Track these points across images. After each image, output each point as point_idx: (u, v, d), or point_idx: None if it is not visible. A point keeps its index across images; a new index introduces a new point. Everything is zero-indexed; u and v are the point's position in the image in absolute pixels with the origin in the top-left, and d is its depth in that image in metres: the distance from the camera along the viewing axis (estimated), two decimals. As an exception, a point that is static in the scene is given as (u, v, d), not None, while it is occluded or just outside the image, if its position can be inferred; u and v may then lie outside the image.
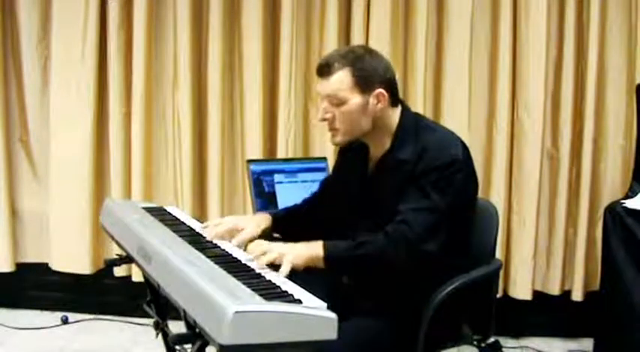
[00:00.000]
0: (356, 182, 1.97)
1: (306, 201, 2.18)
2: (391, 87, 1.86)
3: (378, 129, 1.87)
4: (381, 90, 1.83)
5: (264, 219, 2.03)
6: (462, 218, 1.87)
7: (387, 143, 1.88)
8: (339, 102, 1.82)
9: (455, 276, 1.85)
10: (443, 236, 1.75)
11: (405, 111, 1.90)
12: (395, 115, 1.88)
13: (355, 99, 1.81)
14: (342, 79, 1.81)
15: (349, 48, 1.95)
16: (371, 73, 1.82)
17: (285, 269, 1.65)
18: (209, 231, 1.92)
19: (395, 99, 1.88)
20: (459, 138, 1.86)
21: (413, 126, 1.87)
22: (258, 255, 1.69)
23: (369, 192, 1.91)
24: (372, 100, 1.82)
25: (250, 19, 3.04)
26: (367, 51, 1.90)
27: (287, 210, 2.19)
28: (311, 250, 1.75)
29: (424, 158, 1.78)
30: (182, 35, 3.06)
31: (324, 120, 1.86)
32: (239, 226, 1.94)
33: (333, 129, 1.87)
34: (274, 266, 1.67)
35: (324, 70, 1.83)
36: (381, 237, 1.75)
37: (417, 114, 1.95)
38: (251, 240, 1.90)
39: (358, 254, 1.75)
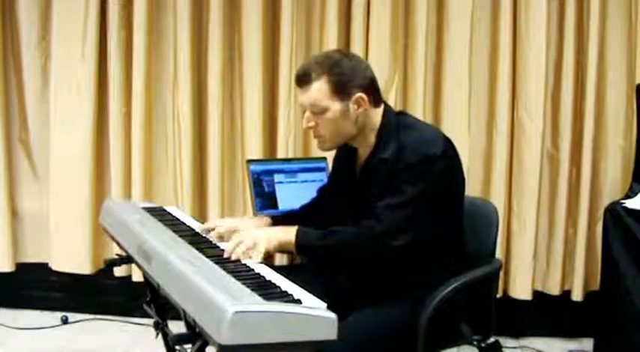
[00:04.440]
0: (346, 183, 1.99)
1: (303, 207, 2.20)
2: (371, 88, 1.87)
3: (363, 130, 1.89)
4: (360, 94, 1.84)
5: (262, 222, 2.06)
6: (449, 214, 1.87)
7: (372, 143, 1.90)
8: (320, 110, 1.84)
9: (454, 276, 1.85)
10: (414, 231, 1.76)
11: (387, 110, 1.91)
12: (378, 115, 1.89)
13: (335, 107, 1.83)
14: (320, 88, 1.82)
15: (325, 54, 1.94)
16: (349, 78, 1.83)
17: (258, 256, 1.70)
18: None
19: (376, 100, 1.89)
20: (440, 135, 1.86)
21: (395, 125, 1.88)
22: (233, 247, 1.72)
23: (357, 193, 1.92)
24: (352, 106, 1.84)
25: (250, 19, 3.04)
26: (344, 55, 1.90)
27: (285, 213, 2.21)
28: (284, 235, 1.79)
29: (401, 156, 1.79)
30: (182, 35, 3.06)
31: (309, 128, 1.89)
32: (238, 228, 1.95)
33: (319, 136, 1.90)
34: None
35: (302, 79, 1.84)
36: (351, 228, 1.79)
37: (400, 113, 1.96)
38: None
39: (326, 243, 1.78)
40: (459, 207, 1.93)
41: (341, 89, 1.82)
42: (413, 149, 1.79)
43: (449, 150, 1.84)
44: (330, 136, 1.88)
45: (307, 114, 1.88)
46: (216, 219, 2.09)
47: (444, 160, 1.80)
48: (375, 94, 1.88)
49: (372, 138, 1.89)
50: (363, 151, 1.93)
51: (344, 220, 1.93)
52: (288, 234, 1.80)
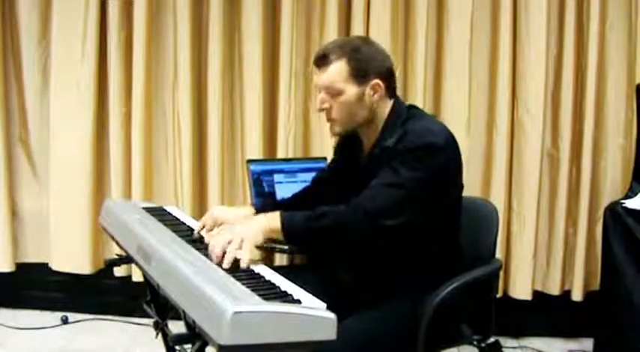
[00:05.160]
0: (350, 175, 1.98)
1: (295, 195, 2.18)
2: (388, 77, 1.87)
3: (373, 119, 1.88)
4: (377, 80, 1.83)
5: (244, 213, 2.03)
6: (446, 209, 1.86)
7: (377, 133, 1.89)
8: (336, 92, 1.83)
9: (454, 276, 1.85)
10: (408, 213, 1.74)
11: (397, 103, 1.90)
12: (388, 107, 1.89)
13: (352, 90, 1.82)
14: (338, 70, 1.82)
15: (347, 38, 1.96)
16: (367, 64, 1.83)
17: (245, 257, 1.64)
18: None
19: (392, 91, 1.89)
20: (445, 128, 1.85)
21: (403, 117, 1.87)
22: (222, 246, 1.65)
23: (360, 183, 1.89)
24: (368, 91, 1.83)
25: (250, 19, 3.04)
26: (364, 41, 1.91)
27: (274, 204, 2.18)
28: (269, 222, 1.74)
29: (403, 141, 1.78)
30: (182, 35, 3.06)
31: (322, 110, 1.87)
32: (218, 221, 1.95)
33: (330, 120, 1.89)
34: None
35: (321, 61, 1.84)
36: (341, 207, 1.75)
37: (410, 106, 1.95)
38: None
39: (317, 225, 1.74)
40: (457, 204, 1.92)
41: (359, 73, 1.82)
42: (416, 135, 1.78)
43: (452, 144, 1.83)
44: (342, 120, 1.86)
45: (322, 95, 1.86)
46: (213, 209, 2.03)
47: (446, 151, 1.79)
48: (391, 85, 1.88)
49: (378, 129, 1.89)
50: (368, 142, 1.92)
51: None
52: (272, 221, 1.74)
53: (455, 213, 1.93)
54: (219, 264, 1.62)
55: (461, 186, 1.93)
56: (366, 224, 1.73)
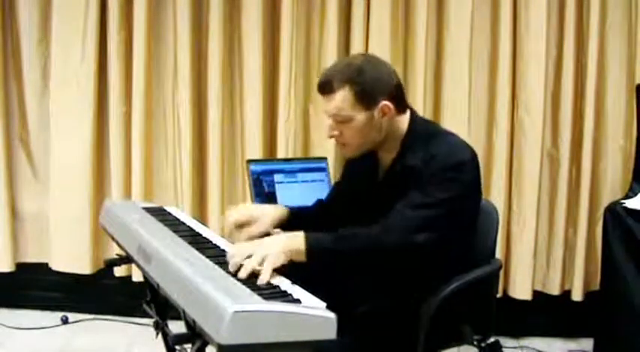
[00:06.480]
0: (366, 189, 1.95)
1: (316, 204, 2.15)
2: (396, 95, 1.83)
3: (387, 137, 1.85)
4: (385, 102, 1.79)
5: (279, 214, 1.98)
6: (467, 223, 1.86)
7: (395, 149, 1.86)
8: (344, 119, 1.79)
9: (454, 276, 1.85)
10: (439, 232, 1.72)
11: (415, 116, 1.88)
12: (403, 122, 1.86)
13: (360, 116, 1.78)
14: (343, 98, 1.77)
15: (348, 60, 1.87)
16: (373, 87, 1.78)
17: (265, 276, 1.56)
18: (226, 219, 1.92)
19: (402, 106, 1.85)
20: (469, 146, 1.84)
21: (424, 132, 1.85)
22: (237, 263, 1.58)
23: (379, 199, 1.88)
24: (377, 114, 1.79)
25: (250, 19, 3.04)
26: (367, 60, 1.85)
27: (300, 208, 2.11)
28: (292, 243, 1.67)
29: (431, 163, 1.76)
30: (182, 35, 3.06)
31: (332, 137, 1.84)
32: (253, 217, 1.92)
33: (343, 144, 1.86)
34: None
35: (325, 87, 1.79)
36: (366, 229, 1.71)
37: (427, 121, 1.93)
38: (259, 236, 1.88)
39: (346, 247, 1.70)
40: (476, 216, 1.92)
41: (365, 98, 1.77)
42: (442, 157, 1.75)
43: (476, 157, 1.83)
44: (355, 145, 1.84)
45: (330, 122, 1.82)
46: (239, 206, 1.98)
47: (473, 164, 1.80)
48: (400, 101, 1.84)
49: (396, 145, 1.85)
50: (386, 157, 1.89)
51: (362, 224, 1.88)
52: (295, 242, 1.67)
53: (475, 218, 1.92)
54: (234, 274, 1.57)
55: (481, 193, 1.93)
56: (398, 241, 1.70)
